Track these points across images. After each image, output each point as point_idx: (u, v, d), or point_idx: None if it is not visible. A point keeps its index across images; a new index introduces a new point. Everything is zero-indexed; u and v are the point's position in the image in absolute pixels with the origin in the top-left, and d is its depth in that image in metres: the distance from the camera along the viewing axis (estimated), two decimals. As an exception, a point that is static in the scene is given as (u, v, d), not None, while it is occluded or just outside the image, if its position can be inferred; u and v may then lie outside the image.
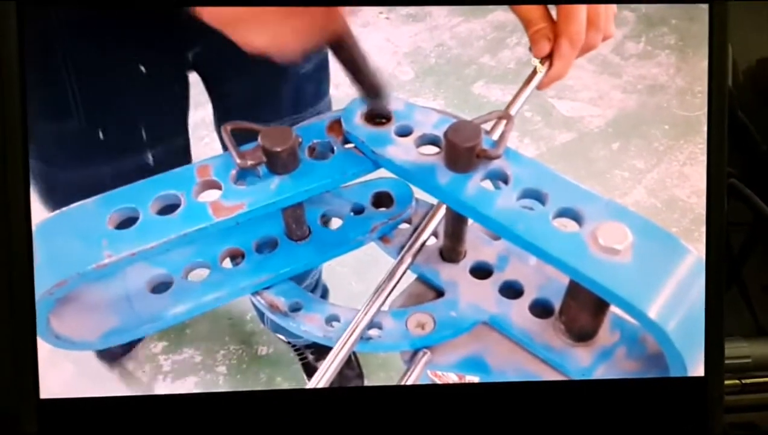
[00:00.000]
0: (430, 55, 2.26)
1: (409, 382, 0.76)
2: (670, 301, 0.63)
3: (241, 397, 0.82)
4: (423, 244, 0.83)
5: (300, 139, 0.75)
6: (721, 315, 0.76)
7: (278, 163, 0.73)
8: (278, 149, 0.72)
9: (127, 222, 0.71)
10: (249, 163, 0.73)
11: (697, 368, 0.65)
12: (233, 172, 0.74)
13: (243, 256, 0.83)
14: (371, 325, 0.78)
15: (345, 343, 0.75)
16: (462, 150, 0.70)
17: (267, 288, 0.82)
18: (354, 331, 0.76)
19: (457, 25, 2.34)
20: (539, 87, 0.86)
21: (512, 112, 0.81)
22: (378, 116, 0.78)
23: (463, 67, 2.23)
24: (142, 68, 0.99)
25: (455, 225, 0.79)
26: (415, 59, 2.25)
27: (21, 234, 0.78)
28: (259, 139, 0.73)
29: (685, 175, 1.93)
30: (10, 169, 0.78)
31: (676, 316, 0.63)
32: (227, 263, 0.84)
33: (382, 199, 0.87)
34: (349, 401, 0.83)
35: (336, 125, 0.79)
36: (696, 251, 0.66)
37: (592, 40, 0.83)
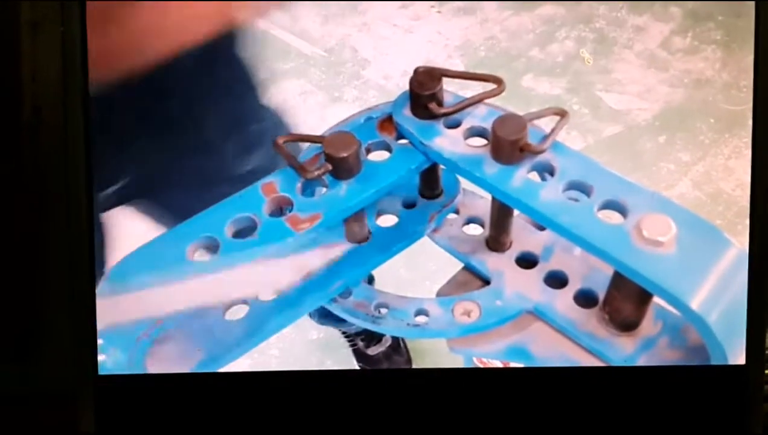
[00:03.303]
0: (480, 48, 2.26)
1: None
2: (713, 293, 0.64)
3: (291, 376, 0.83)
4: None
5: (361, 143, 0.77)
6: (764, 305, 0.76)
7: (344, 169, 0.75)
8: (344, 155, 0.73)
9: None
10: (316, 173, 0.74)
11: (737, 358, 0.66)
12: (299, 184, 0.76)
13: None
14: (418, 312, 0.80)
15: None
16: (506, 143, 0.71)
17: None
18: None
19: (506, 18, 2.34)
20: None
21: None
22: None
23: (512, 60, 2.23)
24: None
25: (501, 216, 0.80)
26: (465, 52, 2.25)
27: (79, 202, 0.81)
28: (324, 147, 0.74)
29: (730, 168, 1.92)
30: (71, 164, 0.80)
31: (718, 308, 0.63)
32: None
33: (429, 188, 0.88)
34: (394, 383, 0.85)
35: (386, 123, 0.80)
36: (740, 244, 0.66)
37: None
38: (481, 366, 0.84)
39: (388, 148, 0.79)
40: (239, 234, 0.73)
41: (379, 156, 0.78)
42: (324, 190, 0.76)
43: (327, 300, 0.82)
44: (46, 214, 0.89)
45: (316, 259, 0.84)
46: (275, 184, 0.76)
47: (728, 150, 1.96)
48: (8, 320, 0.91)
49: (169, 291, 0.69)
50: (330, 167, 0.74)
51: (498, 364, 0.82)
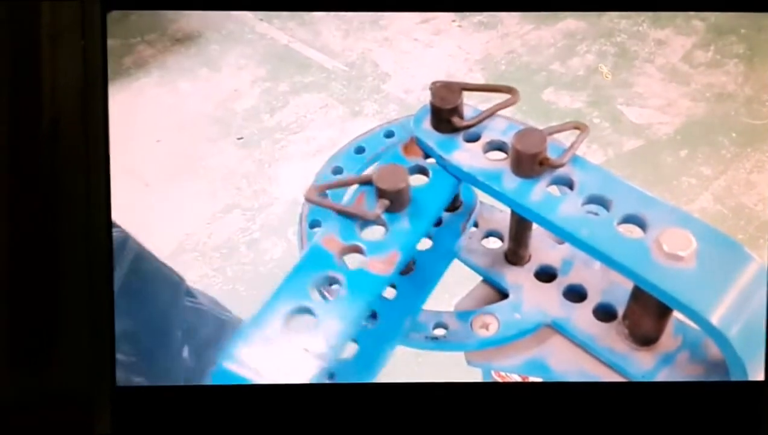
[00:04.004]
0: (501, 62, 2.27)
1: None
2: (733, 308, 0.63)
3: (303, 389, 0.83)
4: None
5: None
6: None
7: (402, 201, 0.74)
8: (402, 186, 0.73)
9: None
10: (379, 211, 0.73)
11: (758, 374, 0.65)
12: (357, 227, 0.74)
13: (374, 314, 0.82)
14: (437, 324, 0.80)
15: None
16: (525, 156, 0.71)
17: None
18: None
19: (527, 32, 2.34)
20: None
21: None
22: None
23: (532, 74, 2.24)
24: None
25: (520, 229, 0.80)
26: (486, 66, 2.26)
27: (98, 214, 0.81)
28: (376, 183, 0.73)
29: (752, 182, 1.92)
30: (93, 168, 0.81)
31: (739, 323, 0.63)
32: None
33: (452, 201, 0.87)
34: (412, 397, 0.85)
35: (411, 146, 0.80)
36: (762, 258, 0.66)
37: None
38: (500, 380, 0.84)
39: (423, 171, 0.79)
40: (323, 295, 0.72)
41: (417, 180, 0.78)
42: (382, 228, 0.74)
43: (401, 340, 0.80)
44: (65, 226, 0.89)
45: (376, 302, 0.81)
46: (334, 236, 0.74)
47: (750, 164, 1.96)
48: (27, 330, 0.91)
49: (280, 370, 0.66)
50: (388, 203, 0.73)
51: (516, 377, 0.82)
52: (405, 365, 0.80)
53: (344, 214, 0.75)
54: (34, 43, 0.87)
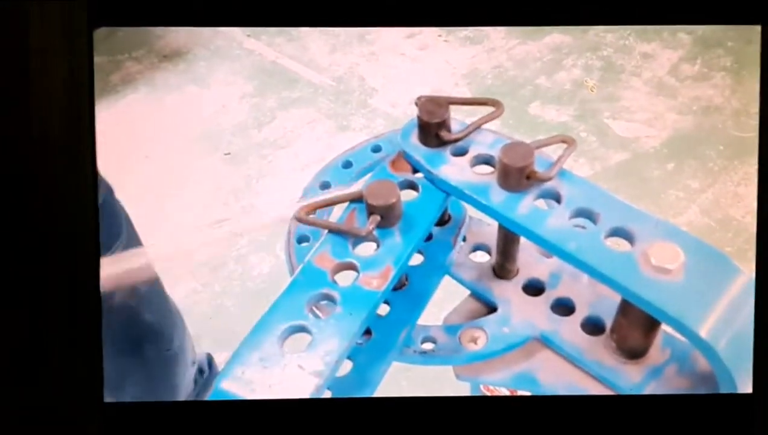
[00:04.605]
0: (487, 77, 2.28)
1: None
2: (721, 320, 0.63)
3: (289, 404, 0.83)
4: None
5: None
6: (771, 333, 0.76)
7: (393, 216, 0.74)
8: (393, 201, 0.73)
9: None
10: (371, 227, 0.73)
11: (746, 386, 0.65)
12: (349, 245, 0.74)
13: (368, 331, 0.81)
14: (425, 339, 0.80)
15: None
16: (513, 170, 0.71)
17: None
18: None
19: (513, 47, 2.36)
20: None
21: None
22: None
23: (519, 88, 2.25)
24: None
25: (508, 243, 0.80)
26: (472, 80, 2.27)
27: (88, 229, 0.81)
28: (367, 199, 0.73)
29: (740, 195, 1.92)
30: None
31: (727, 335, 0.63)
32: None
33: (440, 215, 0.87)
34: (402, 411, 0.85)
35: (398, 162, 0.80)
36: (749, 271, 0.66)
37: None
38: (488, 394, 0.84)
39: (412, 186, 0.79)
40: (318, 311, 0.71)
41: (406, 195, 0.78)
42: (374, 245, 0.75)
43: (398, 355, 0.80)
44: (52, 242, 0.89)
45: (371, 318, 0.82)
46: (327, 253, 0.74)
47: (738, 177, 1.97)
48: (16, 345, 0.91)
49: (277, 389, 0.66)
50: (379, 218, 0.74)
51: (505, 391, 0.82)
52: (393, 380, 0.80)
53: (336, 232, 0.75)
54: (20, 60, 0.87)
